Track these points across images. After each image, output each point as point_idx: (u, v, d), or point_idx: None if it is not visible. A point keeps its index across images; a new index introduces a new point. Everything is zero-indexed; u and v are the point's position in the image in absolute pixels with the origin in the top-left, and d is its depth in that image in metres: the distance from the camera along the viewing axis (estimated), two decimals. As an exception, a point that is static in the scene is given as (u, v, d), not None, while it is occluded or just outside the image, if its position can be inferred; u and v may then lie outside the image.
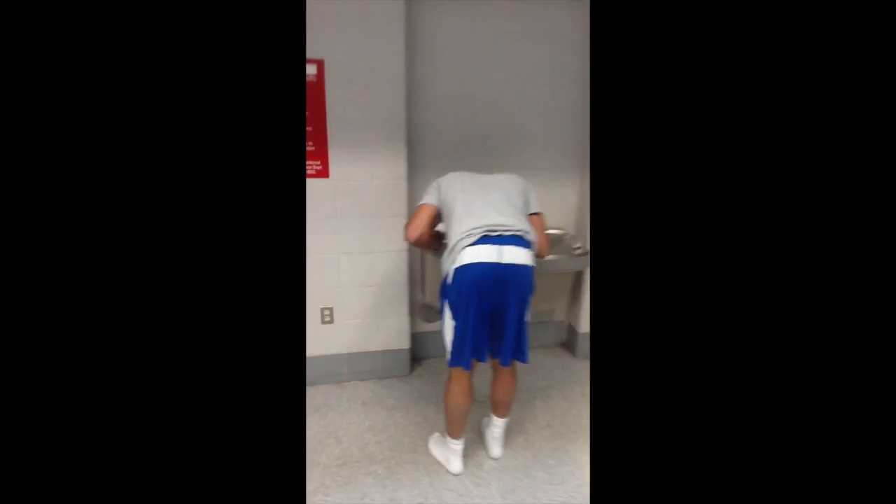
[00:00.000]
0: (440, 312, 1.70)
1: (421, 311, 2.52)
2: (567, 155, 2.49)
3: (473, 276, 1.54)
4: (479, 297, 1.55)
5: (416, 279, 2.44)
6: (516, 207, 1.72)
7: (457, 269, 1.57)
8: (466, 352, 1.60)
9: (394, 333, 2.35)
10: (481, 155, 2.39)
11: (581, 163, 2.52)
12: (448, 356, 1.65)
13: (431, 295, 2.34)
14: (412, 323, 2.45)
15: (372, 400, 2.23)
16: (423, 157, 2.33)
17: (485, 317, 1.58)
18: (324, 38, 1.95)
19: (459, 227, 1.61)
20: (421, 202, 1.80)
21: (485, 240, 1.56)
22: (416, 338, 2.51)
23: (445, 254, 1.65)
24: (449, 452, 1.81)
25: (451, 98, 2.29)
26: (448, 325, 1.64)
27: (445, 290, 1.64)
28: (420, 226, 1.74)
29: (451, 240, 1.62)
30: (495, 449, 1.89)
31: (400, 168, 2.13)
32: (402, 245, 2.23)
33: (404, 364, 2.42)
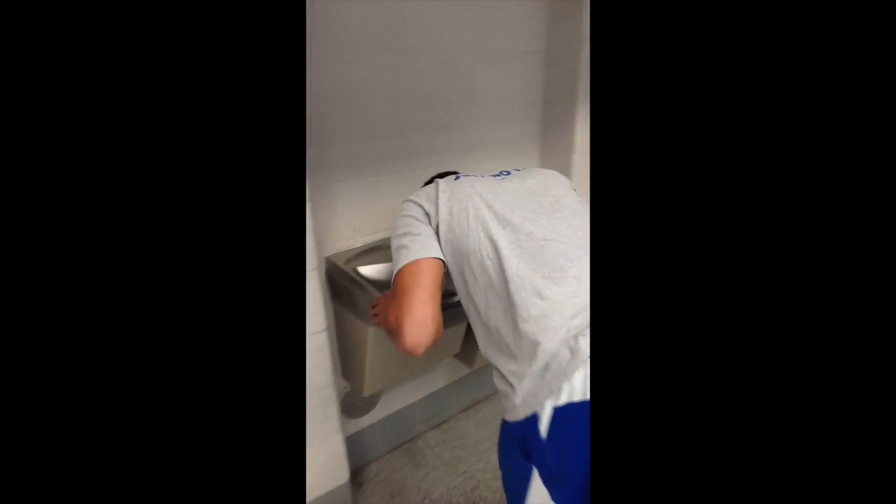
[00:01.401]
0: (509, 479, 0.81)
1: (345, 405, 1.52)
2: (525, 119, 1.67)
3: None
4: None
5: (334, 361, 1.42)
6: None
7: (564, 410, 0.68)
8: None
9: (324, 468, 1.33)
10: (415, 133, 1.41)
11: (541, 129, 1.73)
12: None
13: (373, 384, 1.37)
14: (344, 430, 1.45)
15: None
16: (330, 148, 1.25)
17: None
18: None
19: (546, 315, 0.72)
20: (408, 259, 0.81)
21: None
22: (346, 444, 1.52)
23: (529, 379, 0.73)
24: None
25: (365, 44, 1.22)
26: None
27: (529, 445, 0.74)
28: (428, 314, 0.77)
29: (524, 339, 0.72)
30: None
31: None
32: (318, 324, 1.18)
33: (346, 505, 1.43)
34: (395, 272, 0.81)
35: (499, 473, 1.59)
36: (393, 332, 0.77)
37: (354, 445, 1.59)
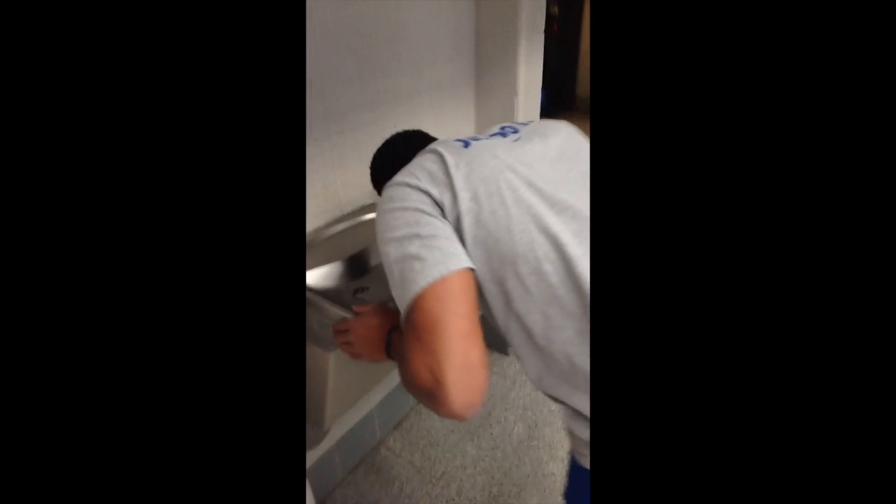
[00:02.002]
0: None
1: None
2: (456, 58, 1.38)
3: None
4: None
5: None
6: None
7: None
8: None
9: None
10: (335, 84, 1.06)
11: (474, 69, 1.46)
12: None
13: (334, 414, 1.08)
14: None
15: None
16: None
17: None
18: None
19: None
20: (430, 277, 0.52)
21: None
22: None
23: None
24: None
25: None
26: None
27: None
28: (476, 356, 0.51)
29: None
30: None
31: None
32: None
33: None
34: (408, 297, 0.53)
35: (481, 466, 1.41)
36: (429, 392, 0.50)
37: (312, 477, 1.30)
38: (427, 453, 1.51)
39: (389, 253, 0.56)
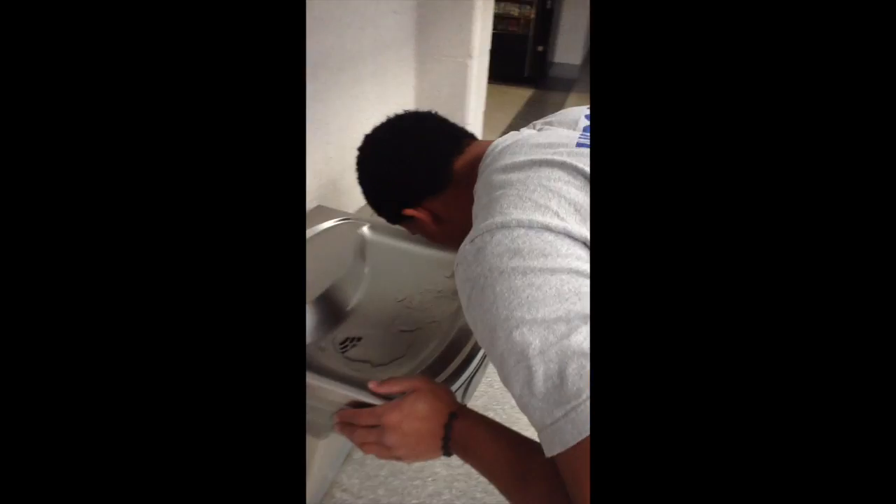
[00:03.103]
0: None
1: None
2: (398, 10, 1.09)
3: None
4: None
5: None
6: None
7: None
8: None
9: None
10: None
11: (416, 23, 1.17)
12: None
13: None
14: None
15: None
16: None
17: None
18: None
19: None
20: None
21: None
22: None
23: None
24: None
25: None
26: None
27: None
28: None
29: None
30: None
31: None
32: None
33: None
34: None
35: (457, 488, 1.26)
36: None
37: None
38: (391, 485, 1.29)
39: (528, 344, 0.33)
